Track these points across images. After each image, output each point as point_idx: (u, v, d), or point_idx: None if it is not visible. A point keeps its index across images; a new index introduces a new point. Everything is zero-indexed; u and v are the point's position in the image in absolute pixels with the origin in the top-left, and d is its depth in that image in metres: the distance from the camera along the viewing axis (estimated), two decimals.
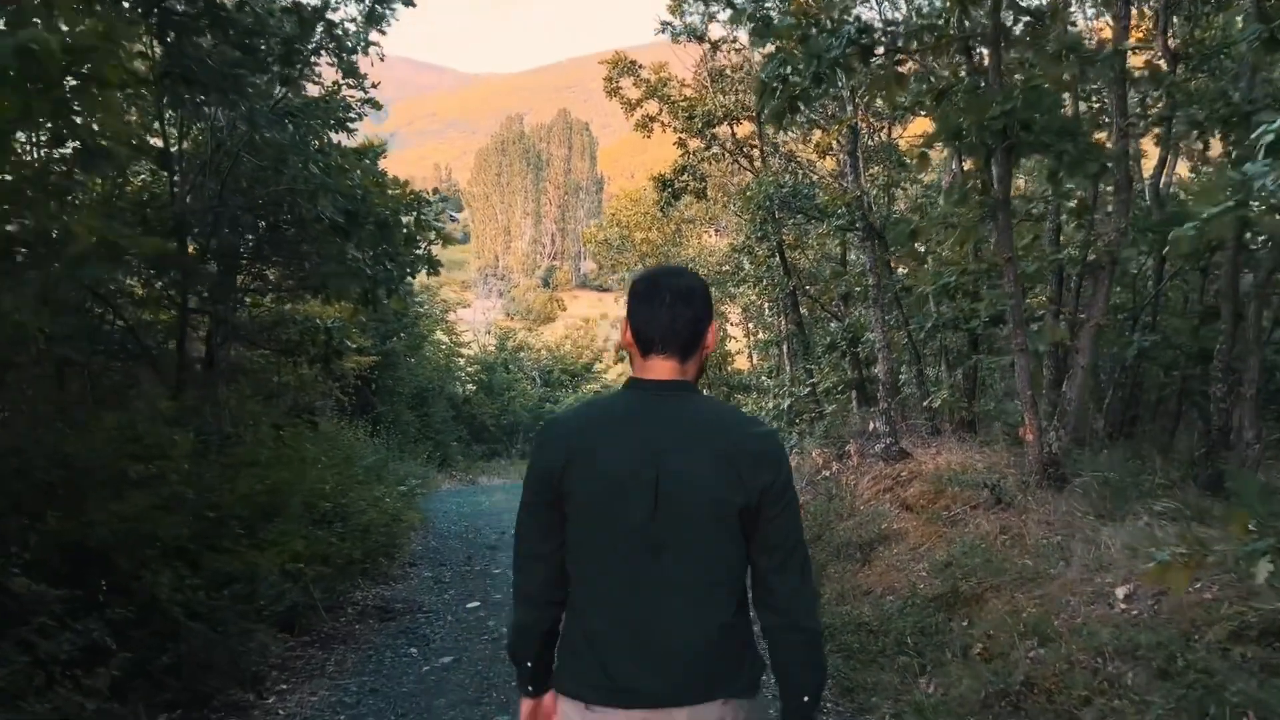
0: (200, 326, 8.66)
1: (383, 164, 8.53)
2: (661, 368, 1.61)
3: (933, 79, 5.43)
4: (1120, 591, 3.83)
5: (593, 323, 51.99)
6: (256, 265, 8.66)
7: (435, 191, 8.29)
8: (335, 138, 7.66)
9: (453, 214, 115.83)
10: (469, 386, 25.33)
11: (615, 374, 30.80)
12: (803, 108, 5.16)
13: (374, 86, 7.62)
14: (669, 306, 1.59)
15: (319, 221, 6.72)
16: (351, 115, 7.31)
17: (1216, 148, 12.35)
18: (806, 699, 1.59)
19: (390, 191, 8.04)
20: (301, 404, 10.53)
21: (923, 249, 11.37)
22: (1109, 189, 8.89)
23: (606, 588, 1.58)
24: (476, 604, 6.32)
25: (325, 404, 14.63)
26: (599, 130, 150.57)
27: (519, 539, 1.69)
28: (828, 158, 12.49)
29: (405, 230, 9.30)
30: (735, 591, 1.60)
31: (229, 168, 6.87)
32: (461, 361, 25.24)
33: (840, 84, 7.46)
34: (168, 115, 7.31)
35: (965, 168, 8.69)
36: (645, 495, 1.53)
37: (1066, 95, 6.30)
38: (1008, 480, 6.05)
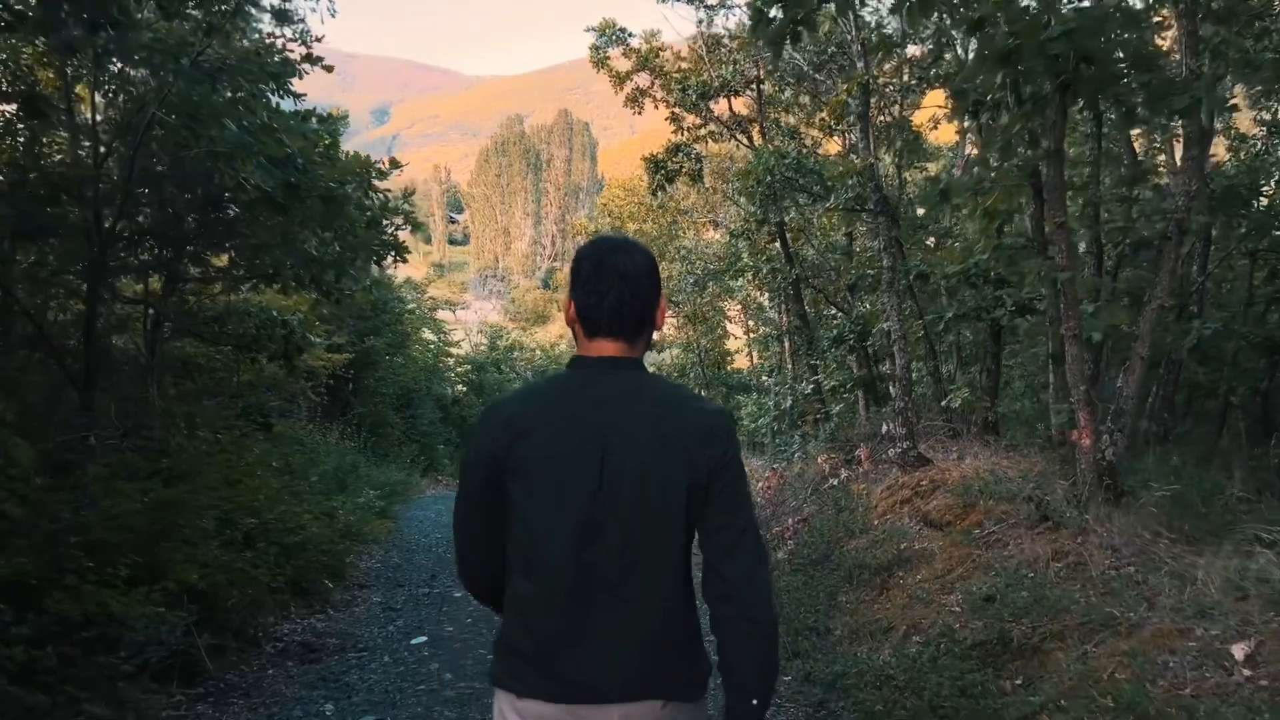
0: (142, 318, 7.78)
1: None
2: (609, 348, 1.54)
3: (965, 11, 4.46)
4: (1238, 651, 2.86)
5: None
6: (198, 247, 7.69)
7: (393, 162, 7.31)
8: (276, 102, 6.70)
9: (453, 215, 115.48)
10: (459, 387, 24.35)
11: None
12: (806, 36, 4.18)
13: (318, 40, 6.66)
14: (616, 292, 1.52)
15: (243, 190, 5.77)
16: (289, 71, 6.31)
17: (1246, 125, 11.49)
18: (755, 702, 1.47)
19: (341, 161, 7.11)
20: (256, 404, 9.59)
21: (939, 233, 10.41)
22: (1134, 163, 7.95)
23: (546, 574, 1.49)
24: (423, 639, 5.35)
25: (299, 404, 13.71)
26: (601, 133, 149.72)
27: (458, 527, 1.61)
28: (833, 138, 11.53)
29: (369, 214, 8.37)
30: (679, 582, 1.52)
31: (144, 127, 5.93)
32: (451, 361, 24.25)
33: (851, 35, 6.50)
34: (85, 74, 6.44)
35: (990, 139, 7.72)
36: (590, 475, 1.46)
37: None
38: (1054, 493, 5.07)
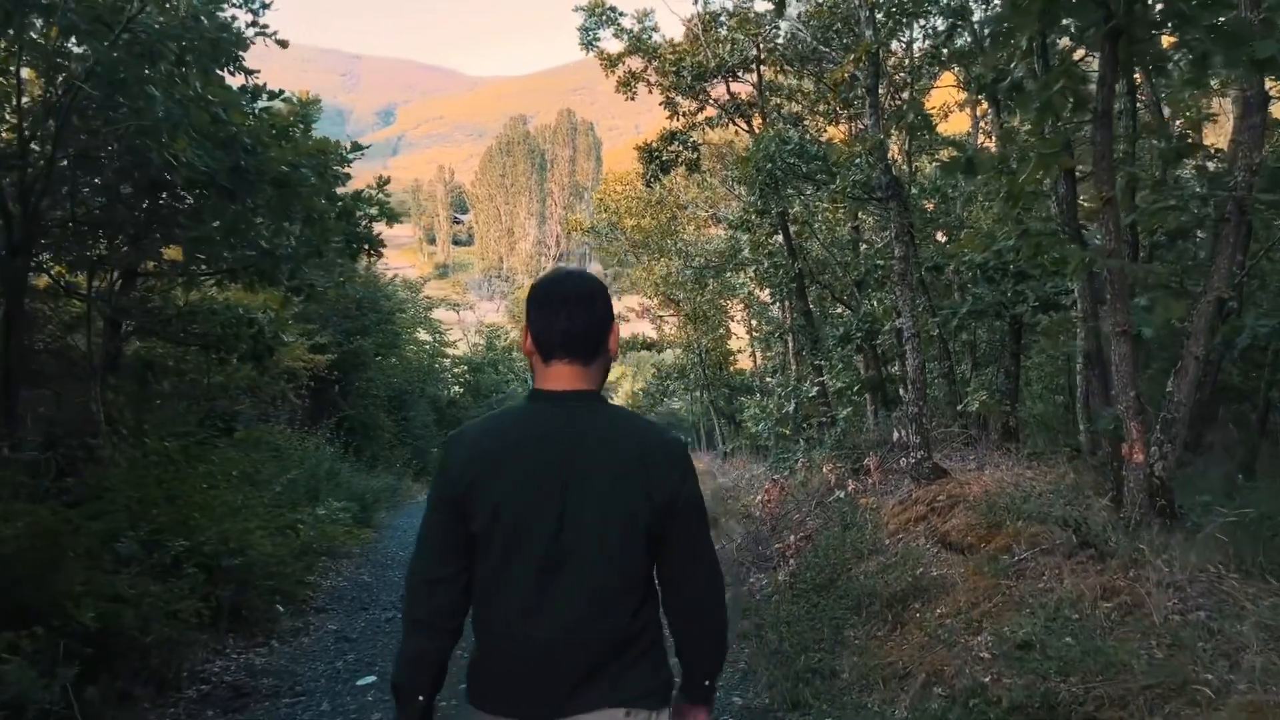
0: (85, 315, 7.16)
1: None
2: (564, 374, 1.58)
3: None
4: None
5: None
6: (139, 237, 7.05)
7: (355, 145, 6.68)
8: (222, 76, 6.06)
9: (458, 216, 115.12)
10: (454, 388, 23.73)
11: (614, 374, 29.29)
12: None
13: (264, 8, 6.02)
14: (568, 312, 1.56)
15: (175, 169, 5.13)
16: (234, 41, 5.68)
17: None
18: (708, 683, 1.67)
19: (299, 142, 6.47)
20: (218, 408, 8.97)
21: (951, 225, 9.72)
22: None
23: (510, 601, 1.53)
24: (372, 679, 4.70)
25: (278, 407, 13.08)
26: (606, 133, 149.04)
27: (417, 563, 1.61)
28: (838, 125, 10.86)
29: (340, 204, 7.74)
30: (639, 598, 1.56)
31: (69, 102, 5.30)
32: (447, 362, 23.63)
33: (859, 1, 5.85)
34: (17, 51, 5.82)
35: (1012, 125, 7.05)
36: (551, 510, 1.51)
37: None
38: (1094, 513, 4.40)
